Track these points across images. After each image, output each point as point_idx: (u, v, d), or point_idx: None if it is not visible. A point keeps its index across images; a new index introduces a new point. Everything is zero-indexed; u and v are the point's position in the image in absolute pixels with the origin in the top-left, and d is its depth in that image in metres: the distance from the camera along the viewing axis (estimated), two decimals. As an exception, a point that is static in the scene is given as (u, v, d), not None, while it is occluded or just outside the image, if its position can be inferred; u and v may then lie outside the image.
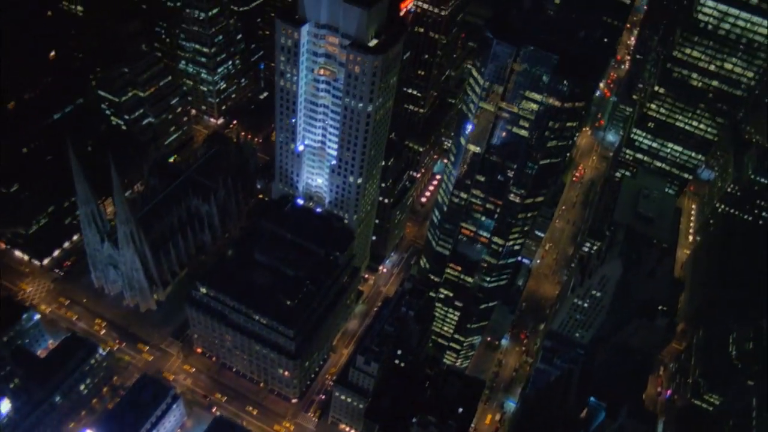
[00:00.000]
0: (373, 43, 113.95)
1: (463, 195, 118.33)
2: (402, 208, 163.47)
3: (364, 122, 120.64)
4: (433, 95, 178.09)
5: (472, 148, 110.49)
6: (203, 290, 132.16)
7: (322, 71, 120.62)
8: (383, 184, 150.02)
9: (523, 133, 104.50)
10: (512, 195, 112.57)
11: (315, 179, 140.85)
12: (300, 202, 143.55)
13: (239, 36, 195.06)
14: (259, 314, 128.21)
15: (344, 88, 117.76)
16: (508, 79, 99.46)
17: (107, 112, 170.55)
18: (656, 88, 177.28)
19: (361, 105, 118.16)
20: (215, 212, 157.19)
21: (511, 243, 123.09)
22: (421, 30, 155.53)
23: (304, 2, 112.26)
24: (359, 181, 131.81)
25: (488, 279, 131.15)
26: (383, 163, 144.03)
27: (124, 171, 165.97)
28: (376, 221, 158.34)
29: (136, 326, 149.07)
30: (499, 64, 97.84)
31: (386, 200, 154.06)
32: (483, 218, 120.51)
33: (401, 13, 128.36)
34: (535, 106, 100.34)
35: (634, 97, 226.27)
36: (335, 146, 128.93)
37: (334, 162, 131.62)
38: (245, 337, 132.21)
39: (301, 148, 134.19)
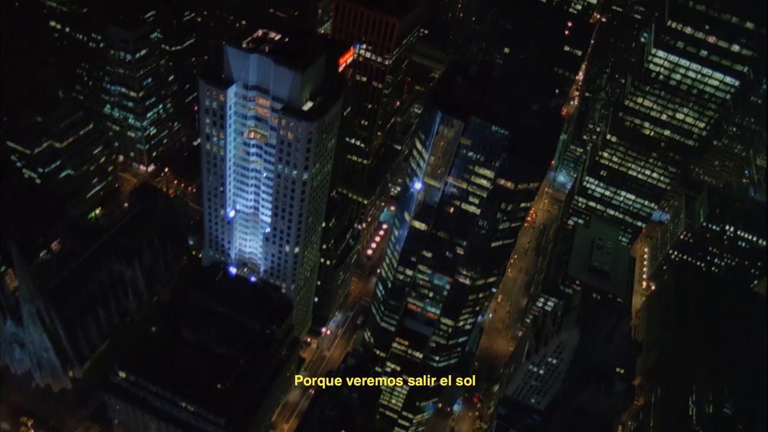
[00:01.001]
0: (308, 106, 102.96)
1: (409, 272, 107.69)
2: (346, 268, 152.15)
3: (299, 190, 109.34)
4: (378, 144, 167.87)
5: (418, 225, 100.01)
6: (122, 375, 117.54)
7: (252, 134, 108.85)
8: (324, 246, 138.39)
9: (473, 209, 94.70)
10: (462, 276, 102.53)
11: (248, 244, 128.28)
12: (233, 270, 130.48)
13: (171, 77, 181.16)
14: (187, 401, 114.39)
15: (276, 155, 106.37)
16: (456, 153, 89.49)
17: (18, 164, 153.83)
18: (608, 137, 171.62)
19: (295, 173, 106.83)
20: (140, 276, 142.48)
21: (461, 323, 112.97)
22: (364, 79, 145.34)
23: (231, 61, 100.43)
24: (296, 250, 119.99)
25: (438, 359, 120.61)
26: (324, 225, 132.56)
27: (37, 231, 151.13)
28: (318, 282, 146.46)
29: (48, 410, 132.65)
30: (444, 138, 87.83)
31: (328, 262, 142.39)
32: (431, 294, 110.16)
33: (340, 68, 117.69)
34: (486, 183, 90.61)
35: (585, 137, 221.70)
36: (269, 213, 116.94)
37: (267, 230, 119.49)
38: (171, 426, 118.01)
39: (232, 214, 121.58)
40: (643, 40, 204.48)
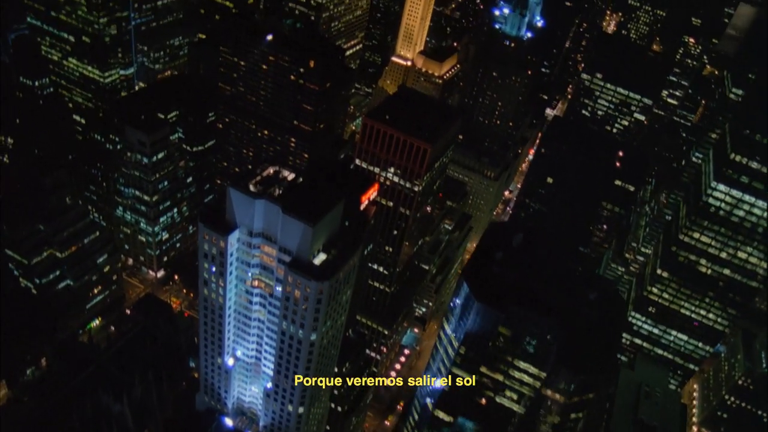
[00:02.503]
0: (320, 258, 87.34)
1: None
2: (359, 412, 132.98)
3: (306, 350, 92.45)
4: (404, 266, 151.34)
5: (443, 416, 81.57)
6: None
7: (256, 283, 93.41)
8: (335, 391, 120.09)
9: (516, 408, 76.09)
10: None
11: (248, 393, 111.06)
12: (228, 422, 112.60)
13: (189, 179, 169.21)
14: None
15: (281, 311, 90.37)
16: (493, 342, 71.72)
17: (15, 272, 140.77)
18: (658, 271, 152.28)
19: (301, 333, 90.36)
20: (129, 414, 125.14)
21: None
22: (390, 204, 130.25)
23: (234, 205, 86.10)
24: (300, 410, 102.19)
25: None
26: (336, 370, 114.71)
27: (26, 346, 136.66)
28: (327, 428, 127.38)
29: None
30: (479, 329, 70.46)
31: (339, 408, 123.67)
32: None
33: (362, 205, 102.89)
34: (529, 379, 72.25)
35: (627, 255, 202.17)
36: (271, 367, 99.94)
37: (269, 386, 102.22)
38: None
39: (231, 362, 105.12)
40: (695, 159, 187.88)
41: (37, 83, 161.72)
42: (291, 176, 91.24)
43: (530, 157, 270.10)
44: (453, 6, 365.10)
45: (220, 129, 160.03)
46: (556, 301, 68.31)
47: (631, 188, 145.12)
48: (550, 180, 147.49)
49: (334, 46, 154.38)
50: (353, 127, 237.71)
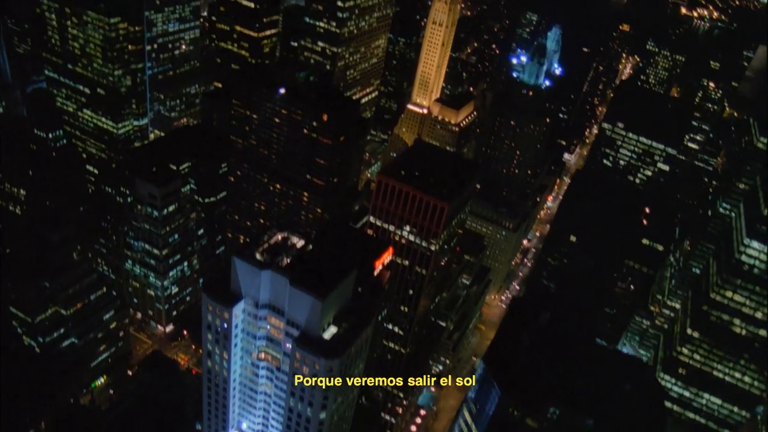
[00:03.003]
0: (330, 332, 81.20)
1: None
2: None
3: (315, 429, 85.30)
4: (419, 323, 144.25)
5: None
6: None
7: (262, 355, 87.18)
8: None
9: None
10: None
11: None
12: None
13: (201, 231, 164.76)
14: None
15: (289, 387, 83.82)
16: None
17: (18, 330, 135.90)
18: (688, 331, 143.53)
19: (310, 411, 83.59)
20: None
21: None
22: (406, 263, 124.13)
23: (240, 275, 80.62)
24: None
25: None
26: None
27: (26, 407, 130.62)
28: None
29: None
30: (502, 420, 63.33)
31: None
32: None
33: (376, 271, 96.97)
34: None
35: (652, 309, 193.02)
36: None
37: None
38: None
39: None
40: (722, 210, 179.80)
41: (50, 135, 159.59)
42: (300, 243, 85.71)
43: (548, 203, 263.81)
44: (469, 51, 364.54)
45: (231, 182, 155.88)
46: (588, 392, 61.34)
47: (660, 248, 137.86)
48: (573, 238, 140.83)
49: (348, 99, 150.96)
50: (368, 175, 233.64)
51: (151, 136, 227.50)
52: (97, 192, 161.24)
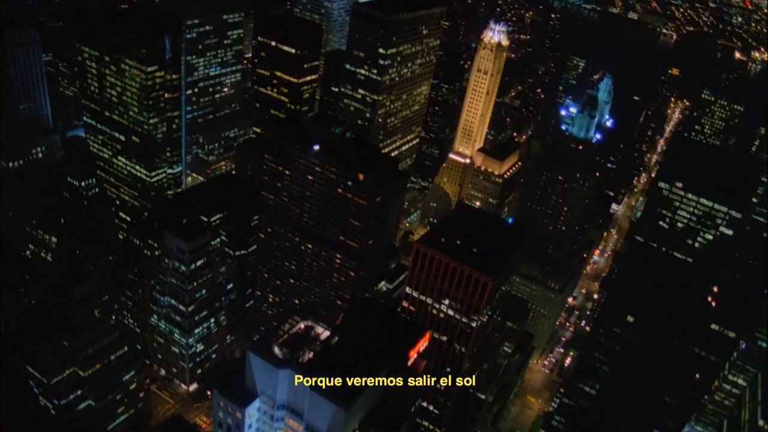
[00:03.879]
0: (355, 439, 69.69)
1: None
2: None
3: None
4: (457, 398, 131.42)
5: None
6: None
7: (279, 458, 75.97)
8: None
9: None
10: None
11: None
12: None
13: (230, 285, 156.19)
14: None
15: (307, 502, 72.19)
16: None
17: (35, 390, 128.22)
18: (761, 423, 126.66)
19: None
20: None
21: None
22: (444, 338, 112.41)
23: (254, 373, 70.35)
24: None
25: None
26: None
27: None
28: None
29: None
30: None
31: None
32: None
33: (410, 362, 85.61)
34: None
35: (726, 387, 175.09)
36: None
37: None
38: None
39: None
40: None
41: (83, 183, 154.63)
42: (324, 334, 75.26)
43: (595, 257, 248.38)
44: (512, 94, 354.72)
45: (262, 238, 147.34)
46: None
47: (731, 334, 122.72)
48: (630, 318, 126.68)
49: (386, 157, 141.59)
50: (407, 225, 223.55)
51: (189, 179, 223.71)
52: (127, 242, 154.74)
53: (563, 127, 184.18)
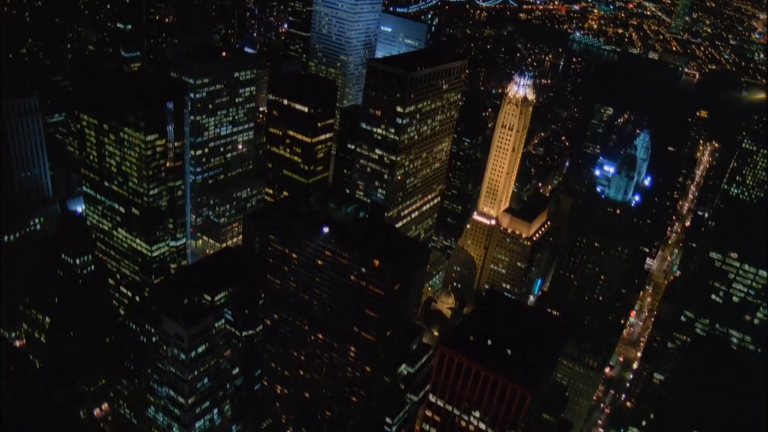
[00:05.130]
0: None
1: None
2: None
3: None
4: None
5: None
6: None
7: None
8: None
9: None
10: None
11: None
12: None
13: (236, 370, 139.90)
14: None
15: None
16: None
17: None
18: None
19: None
20: None
21: None
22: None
23: None
24: None
25: None
26: None
27: None
28: None
29: None
30: None
31: None
32: None
33: None
34: None
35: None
36: None
37: None
38: None
39: None
40: None
41: (77, 261, 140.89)
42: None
43: (631, 319, 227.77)
44: (535, 141, 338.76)
45: (268, 325, 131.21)
46: None
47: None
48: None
49: (406, 239, 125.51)
50: (429, 289, 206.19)
51: (199, 242, 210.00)
52: (124, 324, 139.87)
53: (598, 189, 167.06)
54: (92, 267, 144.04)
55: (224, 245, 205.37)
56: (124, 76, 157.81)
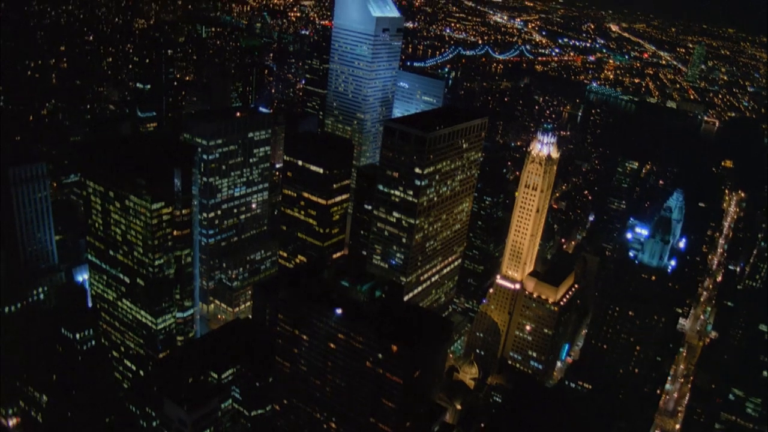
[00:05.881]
0: None
1: None
2: None
3: None
4: None
5: None
6: None
7: None
8: None
9: None
10: None
11: None
12: None
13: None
14: None
15: None
16: None
17: None
18: None
19: None
20: None
21: None
22: None
23: None
24: None
25: None
26: None
27: None
28: None
29: None
30: None
31: None
32: None
33: None
34: None
35: None
36: None
37: None
38: None
39: None
40: None
41: (78, 336, 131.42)
42: None
43: (667, 386, 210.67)
44: (557, 195, 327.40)
45: (278, 411, 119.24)
46: None
47: None
48: None
49: (425, 315, 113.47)
50: (450, 357, 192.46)
51: (211, 306, 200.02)
52: (125, 405, 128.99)
53: (631, 254, 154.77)
54: (93, 342, 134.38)
55: (236, 309, 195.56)
56: (132, 140, 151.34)
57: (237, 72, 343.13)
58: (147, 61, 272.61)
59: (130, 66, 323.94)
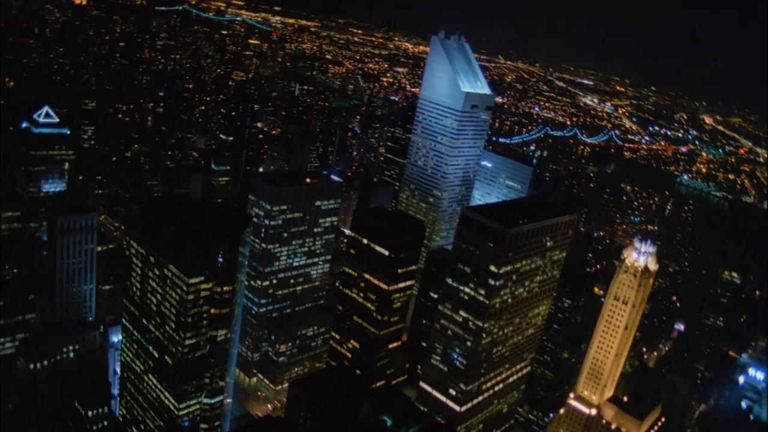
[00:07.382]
0: None
1: None
2: None
3: None
4: None
5: None
6: None
7: None
8: None
9: None
10: None
11: None
12: None
13: None
14: None
15: None
16: None
17: None
18: None
19: None
20: None
21: None
22: None
23: None
24: None
25: None
26: None
27: None
28: None
29: None
30: None
31: None
32: None
33: None
34: None
35: None
36: None
37: None
38: None
39: None
40: None
41: (90, 413, 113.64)
42: None
43: None
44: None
45: None
46: None
47: None
48: None
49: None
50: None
51: (254, 380, 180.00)
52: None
53: (743, 405, 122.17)
54: (106, 422, 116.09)
55: (279, 387, 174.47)
56: (187, 203, 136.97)
57: (322, 131, 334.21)
58: (233, 113, 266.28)
59: (219, 117, 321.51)
